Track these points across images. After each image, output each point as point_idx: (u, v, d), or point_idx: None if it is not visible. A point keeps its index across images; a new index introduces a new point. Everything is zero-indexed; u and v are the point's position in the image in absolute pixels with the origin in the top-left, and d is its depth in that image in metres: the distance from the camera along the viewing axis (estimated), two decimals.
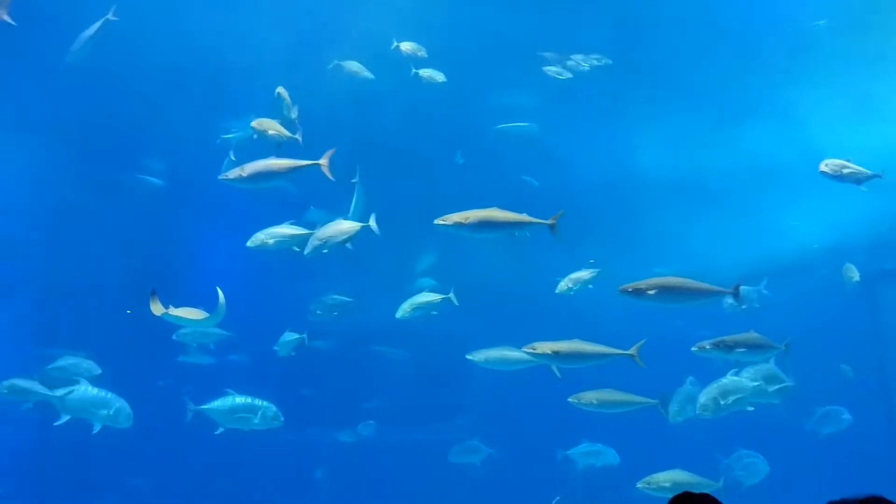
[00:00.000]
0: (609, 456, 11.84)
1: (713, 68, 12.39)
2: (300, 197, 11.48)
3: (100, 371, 10.27)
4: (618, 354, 9.38)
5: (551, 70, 11.77)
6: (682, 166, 12.94)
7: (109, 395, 9.85)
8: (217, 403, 10.19)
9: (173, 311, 9.20)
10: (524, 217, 9.42)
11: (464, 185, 12.06)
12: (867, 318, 13.94)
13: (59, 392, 9.65)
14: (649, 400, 9.97)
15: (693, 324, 10.91)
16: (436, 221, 9.37)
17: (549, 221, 9.36)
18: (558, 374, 10.04)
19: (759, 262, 12.91)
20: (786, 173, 12.45)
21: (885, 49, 11.73)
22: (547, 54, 11.93)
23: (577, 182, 12.66)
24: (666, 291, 9.18)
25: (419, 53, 11.04)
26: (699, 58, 12.31)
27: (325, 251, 9.71)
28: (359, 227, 9.72)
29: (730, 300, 10.59)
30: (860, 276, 12.14)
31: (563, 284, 10.92)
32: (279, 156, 9.70)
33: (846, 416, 12.61)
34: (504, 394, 12.41)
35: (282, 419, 10.31)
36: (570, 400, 9.83)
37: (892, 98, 11.96)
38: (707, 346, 9.33)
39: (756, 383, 9.81)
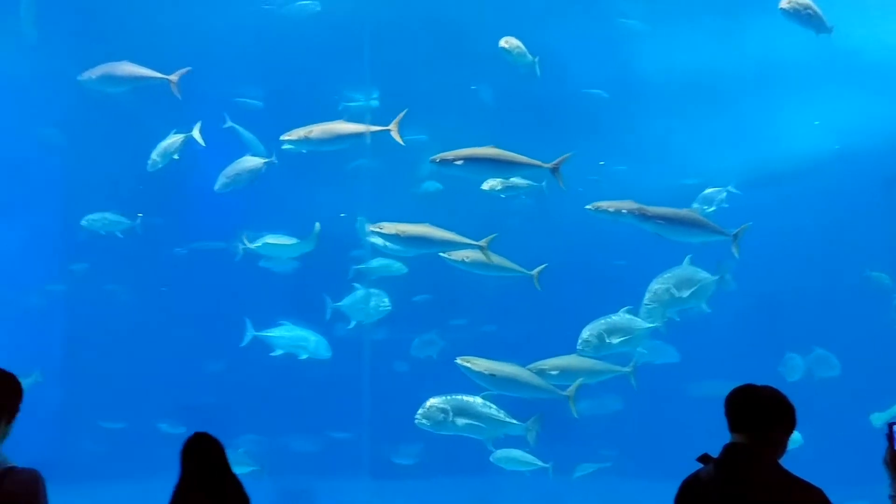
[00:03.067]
0: (669, 353, 11.26)
1: None
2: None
3: (300, 241, 10.79)
4: (467, 244, 9.06)
5: None
6: (685, 67, 12.48)
7: (308, 332, 10.98)
8: (348, 299, 10.79)
9: (270, 240, 10.04)
10: (368, 127, 9.38)
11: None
12: (884, 224, 13.25)
13: (270, 331, 10.99)
14: (525, 270, 9.37)
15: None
16: (281, 138, 9.50)
17: (390, 127, 9.23)
18: None
19: (765, 166, 12.51)
20: (797, 72, 11.95)
21: None
22: None
23: (575, 86, 12.41)
24: (474, 162, 8.84)
25: None
26: None
27: (233, 188, 10.38)
28: (262, 164, 10.29)
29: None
30: (877, 181, 11.67)
31: (492, 183, 10.11)
32: None
33: None
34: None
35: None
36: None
37: None
38: (623, 210, 8.69)
39: (652, 325, 9.04)
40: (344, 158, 11.78)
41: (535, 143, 10.17)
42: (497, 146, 9.39)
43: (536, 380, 8.76)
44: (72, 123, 12.36)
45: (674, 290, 8.95)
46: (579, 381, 8.82)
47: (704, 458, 3.25)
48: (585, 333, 8.92)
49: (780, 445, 3.19)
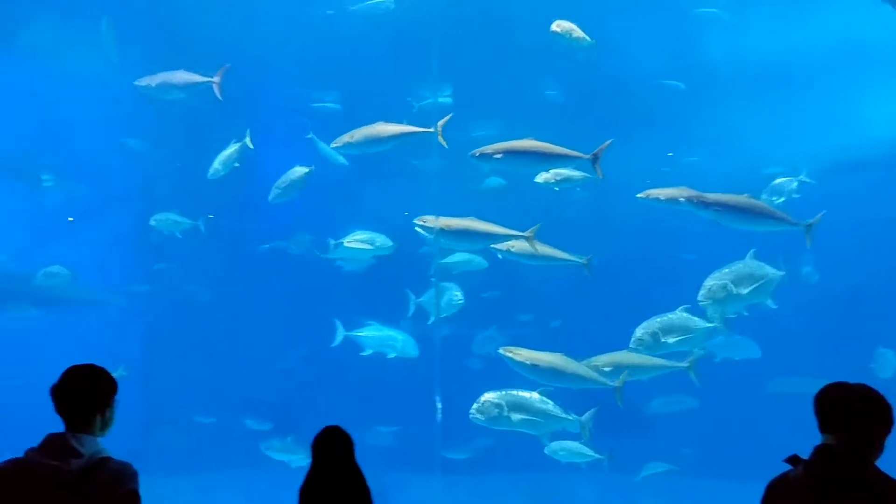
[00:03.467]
0: (750, 349, 11.00)
1: None
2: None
3: (391, 244, 11.10)
4: (512, 235, 8.98)
5: None
6: (760, 53, 11.98)
7: (396, 331, 11.27)
8: (427, 295, 11.00)
9: (351, 242, 10.33)
10: (408, 128, 9.41)
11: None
12: None
13: (359, 331, 11.29)
14: (575, 258, 9.28)
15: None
16: (332, 144, 9.72)
17: (435, 129, 9.19)
18: None
19: (848, 153, 11.87)
20: (879, 53, 11.29)
21: None
22: None
23: (638, 74, 12.07)
24: (513, 155, 8.71)
25: None
26: None
27: (284, 199, 10.88)
28: (306, 171, 10.74)
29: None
30: None
31: (546, 176, 9.92)
32: None
33: None
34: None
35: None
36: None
37: None
38: (681, 198, 8.38)
39: (711, 325, 8.57)
40: (411, 156, 11.90)
41: (605, 136, 10.00)
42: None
43: (582, 369, 8.60)
44: (156, 133, 12.91)
45: (731, 287, 8.43)
46: (626, 372, 8.60)
47: (793, 460, 3.10)
48: (639, 332, 8.64)
49: (877, 446, 3.03)
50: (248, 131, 11.00)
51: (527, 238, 9.01)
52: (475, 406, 8.62)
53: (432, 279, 11.06)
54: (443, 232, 9.20)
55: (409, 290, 11.00)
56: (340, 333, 11.21)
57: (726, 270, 8.65)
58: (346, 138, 9.72)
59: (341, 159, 11.26)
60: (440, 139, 9.34)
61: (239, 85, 12.71)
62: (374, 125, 9.70)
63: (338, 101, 12.72)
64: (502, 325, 12.48)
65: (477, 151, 8.91)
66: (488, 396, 8.58)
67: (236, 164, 11.09)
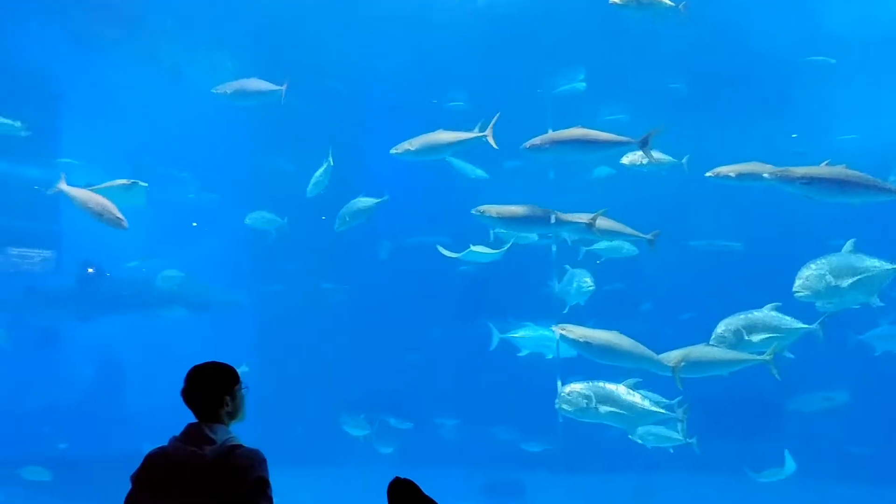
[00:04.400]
0: None
1: None
2: None
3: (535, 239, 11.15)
4: (574, 222, 8.78)
5: None
6: (882, 21, 11.19)
7: (549, 332, 11.04)
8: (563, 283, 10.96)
9: (475, 248, 10.50)
10: (466, 134, 9.32)
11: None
12: None
13: (518, 332, 11.30)
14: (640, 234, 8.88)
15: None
16: (391, 151, 9.66)
17: (486, 133, 9.15)
18: None
19: None
20: None
21: None
22: None
23: (754, 53, 11.51)
24: (563, 144, 8.58)
25: None
26: None
27: (350, 227, 11.20)
28: (374, 202, 11.13)
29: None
30: None
31: (633, 158, 9.83)
32: None
33: None
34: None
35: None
36: None
37: None
38: (765, 174, 7.74)
39: (802, 327, 7.93)
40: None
41: (745, 119, 9.53)
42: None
43: (636, 348, 8.23)
44: (286, 142, 13.60)
45: (829, 278, 7.74)
46: (685, 353, 8.13)
47: None
48: (720, 328, 8.17)
49: None
50: (330, 151, 11.22)
51: (588, 224, 8.87)
52: (561, 395, 8.41)
53: (566, 266, 10.89)
54: (499, 220, 9.18)
55: (553, 282, 11.09)
56: (496, 337, 11.19)
57: (822, 261, 7.96)
58: (405, 145, 9.90)
59: (479, 172, 11.43)
60: (490, 141, 9.31)
61: (362, 89, 13.09)
62: (433, 133, 9.83)
63: (467, 100, 12.84)
64: (625, 317, 12.18)
65: (527, 143, 8.88)
66: (576, 387, 8.34)
67: (325, 183, 11.47)
